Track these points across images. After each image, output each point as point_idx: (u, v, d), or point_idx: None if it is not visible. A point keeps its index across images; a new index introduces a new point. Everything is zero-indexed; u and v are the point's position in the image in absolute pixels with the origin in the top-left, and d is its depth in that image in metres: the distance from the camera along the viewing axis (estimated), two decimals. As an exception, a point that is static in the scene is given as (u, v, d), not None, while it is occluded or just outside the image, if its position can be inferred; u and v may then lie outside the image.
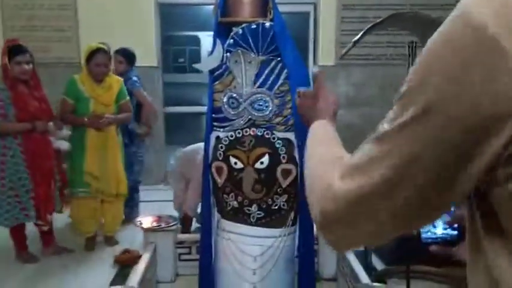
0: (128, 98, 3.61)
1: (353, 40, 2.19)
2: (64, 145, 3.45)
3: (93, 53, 3.37)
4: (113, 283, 2.77)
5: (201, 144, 3.76)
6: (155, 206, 4.19)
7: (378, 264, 2.94)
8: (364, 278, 2.34)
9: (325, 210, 0.66)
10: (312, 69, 1.05)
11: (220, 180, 2.18)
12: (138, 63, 4.98)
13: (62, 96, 3.42)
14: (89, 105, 3.38)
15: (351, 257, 2.65)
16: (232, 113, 2.12)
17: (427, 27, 2.16)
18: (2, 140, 3.15)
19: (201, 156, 3.54)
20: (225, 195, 2.19)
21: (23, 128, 3.15)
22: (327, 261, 2.73)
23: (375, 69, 5.39)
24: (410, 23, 2.21)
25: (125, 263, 3.12)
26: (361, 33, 2.07)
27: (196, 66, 2.41)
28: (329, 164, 0.73)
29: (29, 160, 3.18)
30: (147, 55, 5.25)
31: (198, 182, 3.32)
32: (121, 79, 3.59)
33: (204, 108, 4.13)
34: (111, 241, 3.62)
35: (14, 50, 3.15)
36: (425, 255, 2.62)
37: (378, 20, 2.08)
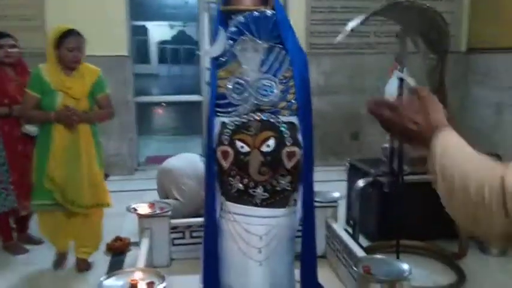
0: (107, 91, 3.04)
1: (348, 28, 2.30)
2: (32, 130, 3.14)
3: (63, 36, 2.81)
4: (110, 269, 2.80)
5: (172, 160, 3.90)
6: (128, 196, 4.19)
7: (362, 241, 3.11)
8: (359, 252, 2.49)
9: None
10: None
11: (225, 164, 2.24)
12: (108, 52, 4.94)
13: (26, 89, 2.90)
14: (55, 100, 2.84)
15: (343, 234, 2.80)
16: (237, 98, 2.19)
17: (421, 16, 2.30)
18: None
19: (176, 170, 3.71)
20: (230, 178, 2.26)
21: None
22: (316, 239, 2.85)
23: (343, 58, 5.58)
24: (404, 12, 2.35)
25: (117, 251, 3.15)
26: (357, 21, 2.18)
27: (201, 53, 2.46)
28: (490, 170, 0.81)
29: (6, 144, 3.17)
30: (117, 44, 5.20)
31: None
32: (98, 69, 3.01)
33: (175, 98, 4.15)
34: (83, 265, 3.04)
35: None
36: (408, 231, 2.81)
37: (377, 9, 2.20)
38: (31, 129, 3.18)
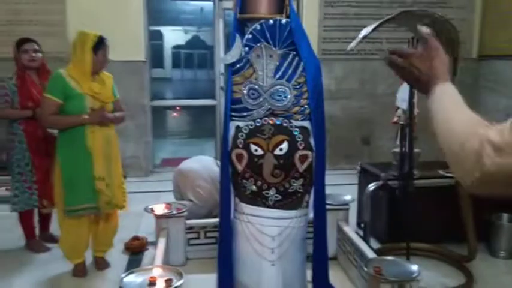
0: (118, 95, 3.17)
1: (361, 35, 2.36)
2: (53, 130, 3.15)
3: (99, 42, 2.91)
4: (128, 268, 2.90)
5: (188, 163, 3.98)
6: (144, 197, 4.30)
7: (373, 243, 3.17)
8: (369, 254, 2.56)
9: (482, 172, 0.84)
10: (422, 28, 1.13)
11: (240, 167, 2.33)
12: (126, 57, 5.07)
13: (45, 95, 2.92)
14: (83, 103, 2.88)
15: (354, 236, 2.86)
16: (253, 103, 2.28)
17: (433, 24, 2.36)
18: (9, 127, 3.32)
19: (192, 173, 3.80)
20: (244, 180, 2.35)
21: (22, 115, 3.28)
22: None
23: (355, 64, 5.64)
24: (416, 20, 2.40)
25: (135, 250, 3.25)
26: (370, 28, 2.24)
27: (220, 60, 2.56)
28: (473, 126, 0.92)
29: (30, 145, 3.30)
30: (135, 50, 5.32)
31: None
32: (111, 75, 3.12)
33: (190, 102, 4.25)
34: (102, 263, 3.14)
35: (21, 41, 3.34)
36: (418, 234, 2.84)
37: (389, 16, 2.26)
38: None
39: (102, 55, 2.94)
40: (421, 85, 1.11)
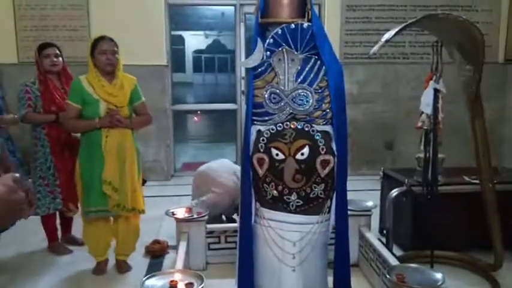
0: (143, 99, 3.15)
1: (384, 39, 2.35)
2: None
3: (96, 42, 2.95)
4: (149, 271, 2.91)
5: (209, 164, 3.99)
6: (165, 201, 4.32)
7: (395, 250, 3.12)
8: (392, 261, 2.51)
9: None
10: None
11: (261, 171, 2.32)
12: (148, 61, 5.12)
13: (67, 101, 3.02)
14: (98, 109, 2.94)
15: (376, 243, 2.82)
16: (274, 107, 2.27)
17: (457, 27, 2.33)
18: (33, 131, 3.38)
19: (213, 171, 3.80)
20: (265, 185, 2.33)
21: (46, 119, 3.32)
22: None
23: (377, 67, 5.59)
24: (439, 24, 2.38)
25: (156, 253, 3.26)
26: (393, 32, 2.23)
27: (241, 64, 2.57)
28: None
29: (53, 149, 3.35)
30: (157, 54, 5.38)
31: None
32: (134, 78, 3.12)
33: (211, 106, 4.28)
34: (124, 266, 3.18)
35: (43, 45, 3.39)
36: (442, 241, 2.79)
37: (412, 20, 2.24)
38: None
39: (99, 53, 2.92)
40: None
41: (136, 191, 3.04)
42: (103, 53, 2.92)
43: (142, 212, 3.10)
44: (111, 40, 2.99)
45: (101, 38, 2.97)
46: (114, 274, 3.11)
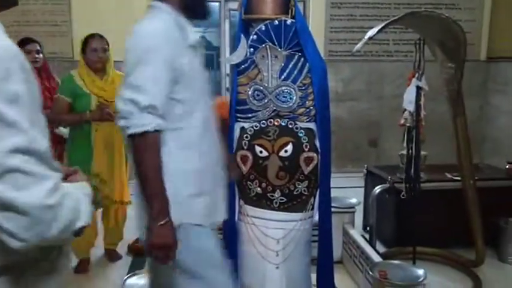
0: None
1: (367, 37, 2.35)
2: (64, 131, 3.26)
3: (87, 39, 3.06)
4: (131, 270, 2.88)
5: None
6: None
7: (379, 247, 3.14)
8: (375, 257, 2.52)
9: None
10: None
11: (244, 168, 2.31)
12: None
13: (57, 94, 3.08)
14: (89, 102, 3.01)
15: (360, 239, 2.83)
16: (258, 104, 2.26)
17: (440, 25, 2.34)
18: None
19: None
20: (248, 182, 2.32)
21: None
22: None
23: (362, 65, 5.61)
24: (422, 21, 2.39)
25: (139, 252, 3.23)
26: (376, 30, 2.23)
27: (225, 60, 2.56)
28: None
29: None
30: (141, 50, 5.31)
31: None
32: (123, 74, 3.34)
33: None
34: (113, 255, 3.27)
35: (23, 41, 3.36)
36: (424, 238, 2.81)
37: (395, 18, 2.25)
38: (64, 131, 3.30)
39: (90, 50, 3.01)
40: None
41: (124, 183, 3.13)
42: (93, 50, 3.01)
43: (129, 203, 3.15)
44: (102, 37, 3.08)
45: (92, 36, 3.06)
46: (97, 272, 3.07)
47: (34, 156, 0.82)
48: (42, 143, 0.85)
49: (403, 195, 2.96)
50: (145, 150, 1.42)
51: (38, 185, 0.81)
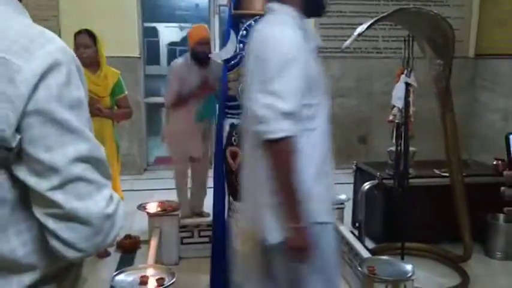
0: (126, 92, 3.27)
1: (356, 33, 2.35)
2: None
3: (75, 35, 3.09)
4: (120, 267, 2.87)
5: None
6: (137, 195, 4.25)
7: (368, 243, 3.15)
8: (364, 253, 2.53)
9: None
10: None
11: (234, 165, 2.31)
12: (119, 53, 5.02)
13: None
14: None
15: (349, 235, 2.84)
16: (247, 100, 2.25)
17: (428, 21, 2.35)
18: None
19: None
20: (238, 179, 2.32)
21: None
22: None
23: (352, 62, 5.62)
24: (411, 18, 2.39)
25: (128, 248, 3.22)
26: (365, 26, 2.23)
27: (212, 56, 2.55)
28: None
29: None
30: (129, 45, 5.28)
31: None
32: (118, 72, 3.24)
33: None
34: (102, 252, 3.15)
35: None
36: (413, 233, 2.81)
37: (383, 14, 2.25)
38: None
39: (76, 47, 3.03)
40: None
41: (115, 179, 3.11)
42: (77, 47, 3.03)
43: (121, 198, 3.08)
44: (86, 33, 3.06)
45: (78, 32, 3.07)
46: (85, 269, 3.04)
47: (95, 164, 0.80)
48: (101, 150, 0.83)
49: (387, 191, 2.98)
50: (282, 155, 1.45)
51: (98, 194, 0.80)
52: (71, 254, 0.79)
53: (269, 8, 1.62)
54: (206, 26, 3.71)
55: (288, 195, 1.46)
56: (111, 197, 0.82)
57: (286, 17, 1.56)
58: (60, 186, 0.76)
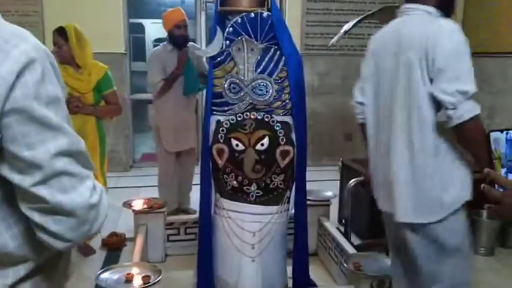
0: (114, 88, 3.23)
1: (342, 31, 2.36)
2: None
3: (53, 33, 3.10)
4: (105, 264, 2.85)
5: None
6: (123, 192, 4.22)
7: (353, 239, 3.17)
8: (350, 249, 2.55)
9: None
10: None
11: (220, 162, 2.30)
12: (105, 49, 4.97)
13: None
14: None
15: (335, 232, 2.86)
16: (234, 97, 2.25)
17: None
18: None
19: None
20: (225, 176, 2.32)
21: None
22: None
23: (338, 59, 5.64)
24: (395, 16, 2.40)
25: (113, 246, 3.19)
26: (351, 24, 2.24)
27: (198, 52, 2.54)
28: None
29: None
30: (115, 41, 5.23)
31: None
32: (106, 66, 3.21)
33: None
34: (87, 249, 3.13)
35: None
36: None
37: (369, 12, 2.26)
38: None
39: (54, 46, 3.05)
40: None
41: (98, 174, 3.08)
42: (54, 45, 3.05)
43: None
44: (59, 32, 3.05)
45: (54, 31, 3.08)
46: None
47: (76, 157, 0.83)
48: (81, 142, 0.86)
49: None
50: (477, 131, 1.67)
51: (82, 186, 0.82)
52: (59, 244, 0.82)
53: (409, 8, 1.82)
54: (181, 8, 3.74)
55: (487, 164, 1.67)
56: (94, 187, 0.85)
57: (431, 15, 1.76)
58: (44, 181, 0.78)
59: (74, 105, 2.95)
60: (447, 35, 1.67)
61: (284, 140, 2.25)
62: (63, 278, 0.98)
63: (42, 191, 0.78)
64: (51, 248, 0.83)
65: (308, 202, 2.60)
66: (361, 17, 2.16)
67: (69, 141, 0.81)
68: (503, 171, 1.83)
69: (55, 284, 0.94)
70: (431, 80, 1.69)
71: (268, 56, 2.22)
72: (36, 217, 0.80)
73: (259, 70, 2.21)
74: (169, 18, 3.58)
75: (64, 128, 0.81)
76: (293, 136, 2.27)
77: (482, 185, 1.11)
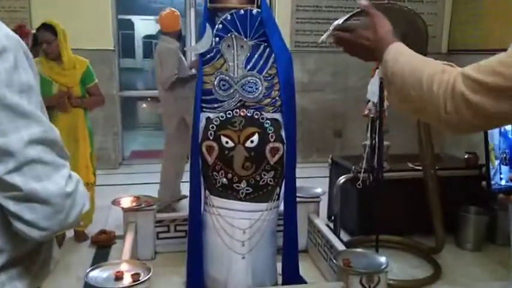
0: (96, 80, 3.31)
1: (331, 28, 2.35)
2: None
3: (37, 31, 3.20)
4: (94, 262, 2.83)
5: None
6: (112, 190, 4.21)
7: (343, 236, 3.19)
8: (339, 246, 2.56)
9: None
10: (360, 1, 1.19)
11: (210, 159, 2.30)
12: (93, 46, 4.93)
13: None
14: (51, 88, 3.11)
15: (324, 229, 2.86)
16: (223, 94, 2.25)
17: (402, 17, 2.38)
18: None
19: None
20: (214, 173, 2.32)
21: None
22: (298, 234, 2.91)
23: (327, 56, 5.64)
24: (385, 13, 2.41)
25: (102, 244, 3.18)
26: (340, 21, 2.23)
27: (187, 49, 2.53)
28: (442, 66, 0.93)
29: None
30: (103, 38, 5.19)
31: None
32: (87, 60, 3.28)
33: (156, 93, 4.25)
34: (82, 236, 3.31)
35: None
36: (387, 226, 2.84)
37: (358, 10, 2.25)
38: None
39: (40, 44, 3.13)
40: (374, 53, 1.11)
41: (88, 166, 3.23)
42: (40, 43, 3.11)
43: (94, 183, 3.31)
44: (46, 28, 3.09)
45: (39, 28, 3.14)
46: (58, 265, 2.99)
47: (50, 145, 0.83)
48: (55, 131, 0.86)
49: (358, 185, 3.02)
50: None
51: (57, 174, 0.83)
52: (35, 233, 0.82)
53: None
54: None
55: None
56: (70, 176, 0.85)
57: None
58: (17, 169, 0.78)
59: (62, 102, 3.07)
60: None
61: (274, 137, 2.25)
62: (42, 273, 0.97)
63: (16, 179, 0.78)
64: (28, 238, 0.82)
65: (298, 199, 2.61)
66: (351, 13, 2.15)
67: (43, 129, 0.82)
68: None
69: (33, 279, 0.93)
70: None
71: (258, 53, 2.23)
72: (11, 206, 0.80)
73: (248, 67, 2.21)
74: (175, 22, 3.94)
75: (37, 116, 0.82)
76: (283, 133, 2.27)
77: (482, 182, 1.13)
